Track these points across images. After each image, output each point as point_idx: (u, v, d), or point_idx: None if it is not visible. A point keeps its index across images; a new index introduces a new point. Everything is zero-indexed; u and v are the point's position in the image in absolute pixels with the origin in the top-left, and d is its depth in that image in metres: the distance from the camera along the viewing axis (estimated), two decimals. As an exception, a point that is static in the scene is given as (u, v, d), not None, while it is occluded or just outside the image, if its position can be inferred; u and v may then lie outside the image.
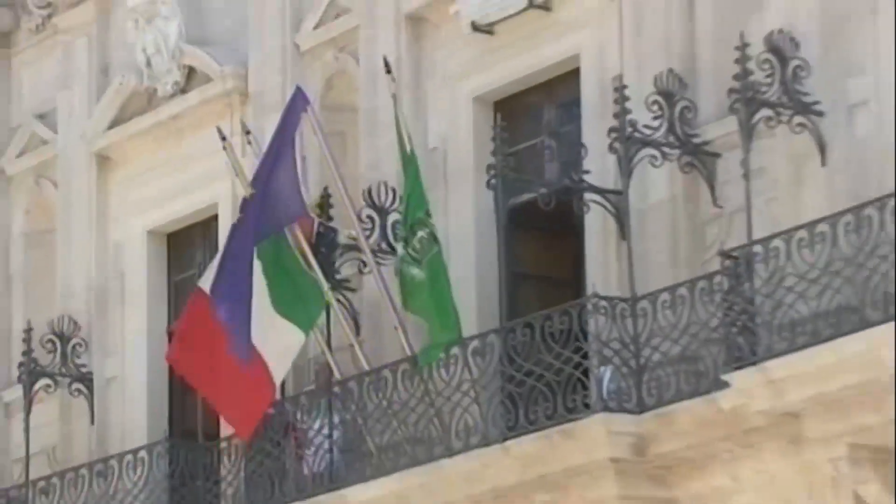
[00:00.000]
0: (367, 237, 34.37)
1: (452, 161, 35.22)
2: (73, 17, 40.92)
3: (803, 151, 30.10)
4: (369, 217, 34.47)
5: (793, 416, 29.07)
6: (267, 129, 35.76)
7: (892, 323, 27.64)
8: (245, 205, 34.81)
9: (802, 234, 28.72)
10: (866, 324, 27.95)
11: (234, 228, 34.99)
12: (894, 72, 29.33)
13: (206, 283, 34.42)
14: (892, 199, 28.34)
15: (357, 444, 33.94)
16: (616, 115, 30.96)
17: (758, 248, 29.36)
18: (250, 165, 35.39)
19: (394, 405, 33.47)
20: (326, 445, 34.22)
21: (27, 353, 38.38)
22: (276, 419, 34.73)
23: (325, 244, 34.57)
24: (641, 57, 32.45)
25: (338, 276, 34.76)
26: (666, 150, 31.21)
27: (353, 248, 34.73)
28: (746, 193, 30.05)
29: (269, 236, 34.17)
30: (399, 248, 33.56)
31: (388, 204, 34.39)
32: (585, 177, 32.11)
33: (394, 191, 34.25)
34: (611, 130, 31.11)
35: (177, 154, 38.82)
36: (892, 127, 29.65)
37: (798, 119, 29.85)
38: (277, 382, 34.59)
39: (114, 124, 39.90)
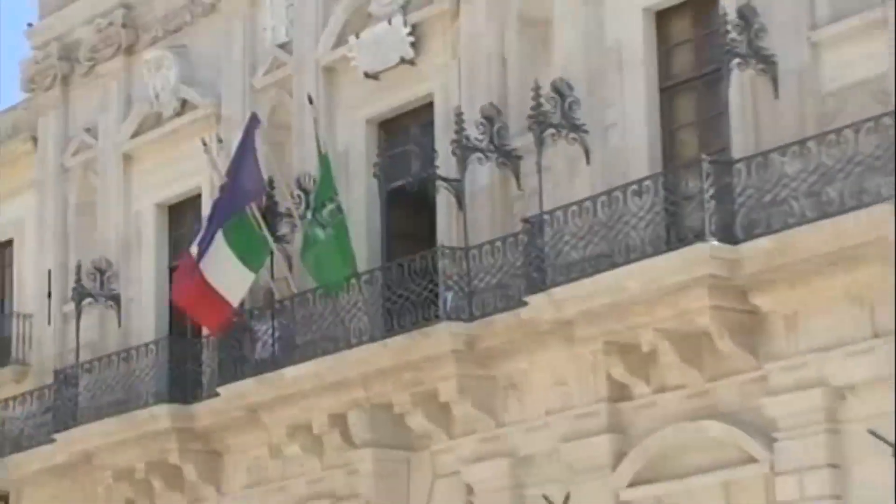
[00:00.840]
0: (297, 208, 34.42)
1: (352, 160, 35.12)
2: (109, 66, 40.35)
3: (575, 156, 30.51)
4: (298, 195, 34.45)
5: (568, 324, 29.37)
6: (233, 141, 35.54)
7: (634, 265, 28.19)
8: (221, 189, 35.00)
9: (574, 208, 29.16)
10: (615, 265, 28.39)
11: (214, 204, 35.13)
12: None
13: (193, 247, 34.19)
14: (631, 188, 29.03)
15: (289, 340, 33.74)
16: (456, 132, 31.22)
17: (546, 217, 29.67)
18: (223, 163, 35.44)
19: (314, 315, 33.51)
20: (270, 341, 34.06)
21: (77, 280, 38.23)
22: (238, 324, 34.63)
23: (271, 213, 34.69)
24: (473, 95, 32.54)
25: (278, 234, 34.72)
26: (488, 154, 31.40)
27: (288, 215, 34.78)
28: (539, 182, 30.30)
29: (236, 213, 34.22)
30: (308, 214, 33.55)
31: (310, 187, 34.14)
32: (437, 171, 32.33)
33: (314, 179, 34.07)
34: (453, 142, 31.40)
35: (175, 155, 38.59)
36: (635, 140, 30.48)
37: (572, 135, 30.24)
38: (235, 303, 34.34)
39: (134, 135, 39.60)
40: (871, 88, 27.06)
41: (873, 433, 26.20)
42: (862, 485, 26.61)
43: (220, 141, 36.56)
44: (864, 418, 26.48)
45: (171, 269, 38.23)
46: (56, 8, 42.38)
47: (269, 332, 34.38)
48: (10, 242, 43.79)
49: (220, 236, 34.14)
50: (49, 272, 40.76)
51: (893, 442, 25.87)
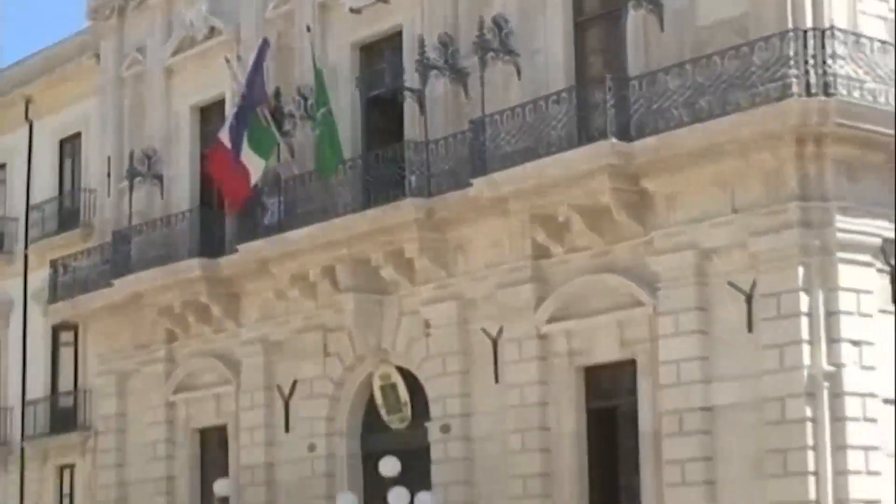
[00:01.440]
0: (298, 111, 34.02)
1: (340, 75, 34.54)
2: (155, 0, 39.77)
3: (509, 73, 30.34)
4: (299, 101, 33.99)
5: (503, 200, 29.29)
6: (249, 59, 35.04)
7: (553, 157, 28.15)
8: (242, 98, 34.38)
9: (508, 112, 29.25)
10: (538, 156, 28.43)
11: (237, 111, 34.42)
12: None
13: (223, 135, 33.93)
14: (551, 98, 28.94)
15: (292, 210, 33.52)
16: (419, 54, 31.16)
17: (487, 119, 29.58)
18: (241, 75, 35.01)
19: (310, 192, 33.40)
20: (277, 211, 33.86)
21: (130, 164, 38.18)
22: (253, 199, 34.42)
23: (278, 114, 34.26)
24: (432, 26, 32.20)
25: (283, 130, 34.24)
26: (443, 71, 31.19)
27: (291, 116, 34.26)
28: (482, 93, 30.00)
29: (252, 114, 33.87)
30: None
31: (308, 95, 33.72)
32: (405, 83, 32.38)
33: (311, 89, 33.59)
34: (417, 62, 31.30)
35: (206, 68, 38.02)
36: (554, 61, 30.38)
37: (507, 57, 30.19)
38: (252, 183, 34.04)
39: (174, 54, 39.10)
40: (733, 25, 27.11)
41: (731, 284, 26.52)
42: (721, 322, 26.90)
43: (238, 59, 36.15)
44: (724, 273, 26.76)
45: (202, 155, 37.73)
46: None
47: (277, 204, 34.11)
48: (78, 135, 43.73)
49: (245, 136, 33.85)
50: (108, 158, 40.47)
51: (747, 291, 26.14)
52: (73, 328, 42.42)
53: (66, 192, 43.93)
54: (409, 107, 32.59)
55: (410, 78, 32.37)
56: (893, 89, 26.22)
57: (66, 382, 42.94)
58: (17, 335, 44.30)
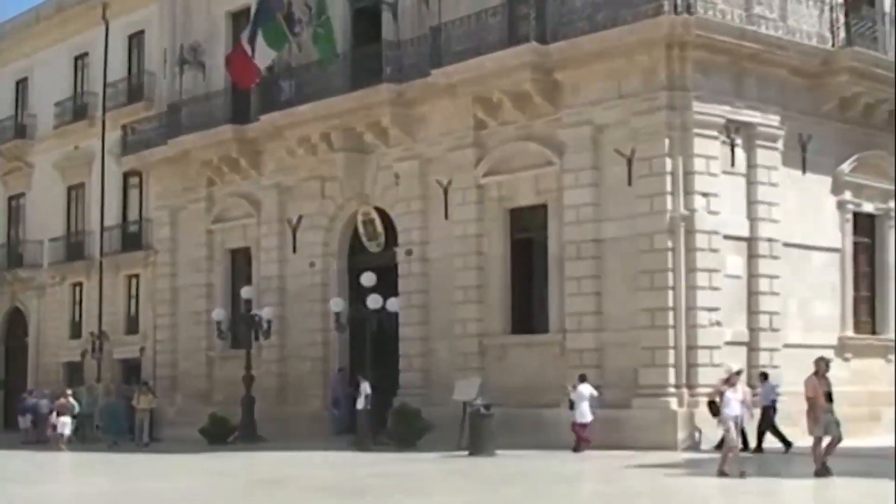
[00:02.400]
0: (305, 16, 32.86)
1: None
2: None
3: None
4: (306, 8, 32.80)
5: (453, 86, 29.12)
6: None
7: (492, 54, 27.92)
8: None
9: (459, 20, 28.95)
10: (480, 54, 28.25)
11: (256, 12, 33.62)
12: None
13: (243, 36, 33.29)
14: (489, 10, 28.91)
15: (301, 90, 33.15)
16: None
17: (443, 25, 29.23)
18: None
19: (314, 76, 32.95)
20: (289, 90, 33.57)
21: (181, 54, 38.00)
22: (271, 81, 34.01)
23: (289, 19, 33.08)
24: None
25: (294, 30, 33.06)
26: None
27: (299, 21, 33.04)
28: (438, 5, 29.55)
29: (270, 19, 32.94)
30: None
31: (310, 8, 32.49)
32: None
33: (314, 3, 32.27)
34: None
35: None
36: None
37: None
38: (262, 68, 33.14)
39: None
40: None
41: (616, 150, 26.61)
42: (609, 178, 27.00)
43: None
44: (612, 142, 26.81)
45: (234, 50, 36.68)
46: None
47: (288, 85, 33.85)
48: (142, 32, 43.15)
49: (259, 34, 32.87)
50: (165, 50, 40.00)
51: (628, 155, 26.22)
52: (139, 175, 42.29)
53: (133, 74, 43.35)
54: (386, 16, 32.11)
55: (400, -1, 31.93)
56: (739, 9, 26.38)
57: (132, 214, 42.80)
58: (97, 180, 44.14)
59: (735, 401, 19.23)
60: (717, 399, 19.90)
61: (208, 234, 38.00)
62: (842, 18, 28.23)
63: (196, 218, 38.37)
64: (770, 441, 24.40)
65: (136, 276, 42.34)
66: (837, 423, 18.73)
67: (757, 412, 23.54)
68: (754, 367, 25.79)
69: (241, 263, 37.27)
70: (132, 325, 42.34)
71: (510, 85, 28.12)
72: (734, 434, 19.48)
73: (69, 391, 36.86)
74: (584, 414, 25.21)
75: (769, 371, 25.54)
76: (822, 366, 18.91)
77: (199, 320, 37.74)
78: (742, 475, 19.03)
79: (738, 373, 20.96)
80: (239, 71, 33.64)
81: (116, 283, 43.10)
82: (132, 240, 42.30)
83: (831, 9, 28.28)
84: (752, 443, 24.11)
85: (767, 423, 24.35)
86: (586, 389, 25.36)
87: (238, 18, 37.55)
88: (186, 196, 38.74)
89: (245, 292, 34.64)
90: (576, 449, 25.07)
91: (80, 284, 45.09)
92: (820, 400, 18.56)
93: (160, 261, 39.99)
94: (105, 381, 41.05)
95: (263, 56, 33.11)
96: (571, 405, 25.37)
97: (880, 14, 29.43)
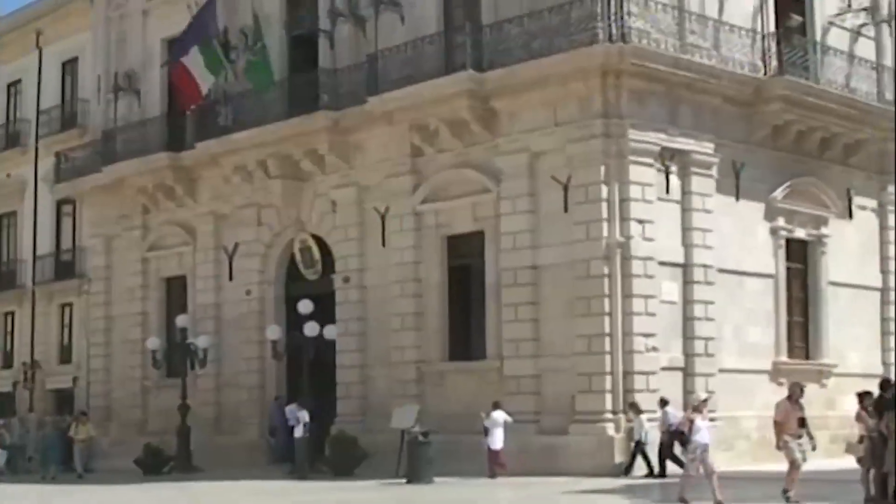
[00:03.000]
0: (241, 43, 33.14)
1: (272, 19, 33.52)
2: None
3: (396, 20, 29.57)
4: (241, 36, 33.15)
5: (389, 113, 29.12)
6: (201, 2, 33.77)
7: (427, 82, 27.95)
8: (189, 26, 33.35)
9: (395, 48, 28.88)
10: (417, 81, 28.16)
11: (185, 31, 33.44)
12: None
13: (184, 59, 32.70)
14: (426, 39, 29.11)
15: (237, 117, 32.94)
16: (331, 4, 30.91)
17: (380, 53, 29.13)
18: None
19: (250, 103, 32.52)
20: (226, 117, 33.33)
21: (115, 81, 37.52)
22: (207, 108, 33.62)
23: (226, 46, 33.31)
24: None
25: (230, 58, 33.16)
26: (348, 17, 30.56)
27: (235, 47, 33.44)
28: (375, 34, 29.57)
29: (208, 41, 32.69)
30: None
31: (247, 36, 32.70)
32: (319, 26, 31.69)
33: (251, 30, 32.46)
34: (328, 11, 30.99)
35: (173, 11, 36.24)
36: (429, 13, 30.14)
37: (394, 8, 29.66)
38: (204, 92, 32.74)
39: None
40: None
41: (553, 177, 26.67)
42: (545, 205, 27.03)
43: (197, 4, 34.66)
44: (548, 169, 26.86)
45: (168, 72, 36.01)
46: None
47: (225, 112, 33.65)
48: (76, 59, 42.92)
49: (196, 53, 32.57)
50: (99, 76, 39.64)
51: (564, 182, 26.29)
52: (72, 202, 41.93)
53: (66, 101, 43.15)
54: (323, 44, 32.05)
55: (324, 22, 31.89)
56: (673, 39, 26.61)
57: (66, 242, 42.58)
58: (29, 208, 43.84)
59: (705, 428, 19.05)
60: (686, 428, 19.62)
61: (143, 262, 37.60)
62: (773, 48, 28.51)
63: (131, 246, 37.96)
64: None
65: (70, 304, 41.93)
66: (803, 450, 18.63)
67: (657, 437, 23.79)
68: (690, 393, 25.77)
69: (176, 292, 36.91)
70: (65, 355, 41.88)
71: (447, 112, 28.14)
72: (709, 461, 18.96)
73: (0, 422, 36.23)
74: (497, 441, 25.27)
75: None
76: (796, 391, 18.92)
77: (134, 349, 37.31)
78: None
79: (706, 401, 20.81)
80: (185, 91, 33.35)
81: (49, 312, 42.65)
82: (65, 268, 41.94)
83: (763, 38, 28.59)
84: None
85: (666, 448, 24.40)
86: (500, 416, 25.46)
87: (174, 45, 36.89)
88: (121, 224, 38.30)
89: (180, 321, 34.27)
90: (491, 475, 25.12)
91: (13, 313, 44.63)
92: (790, 424, 18.48)
93: (94, 289, 39.54)
94: (38, 412, 40.41)
95: (203, 80, 32.84)
96: (486, 432, 25.39)
97: (811, 43, 29.84)
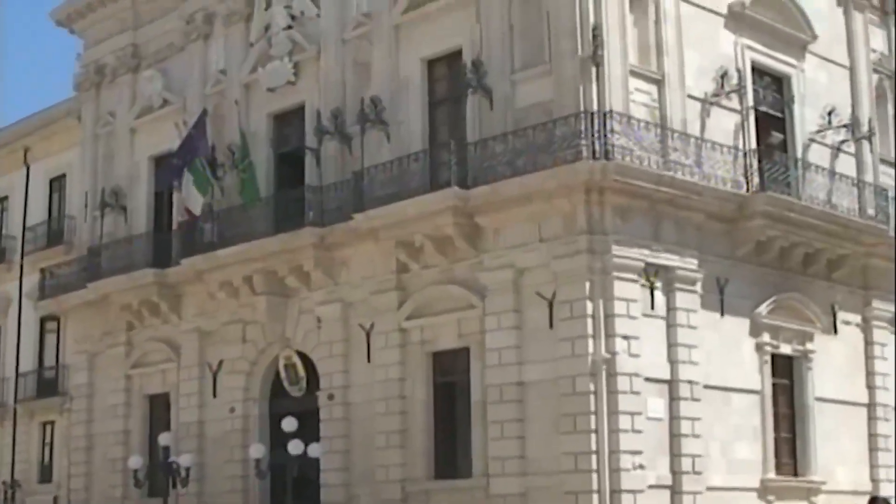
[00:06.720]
0: (228, 161, 33.57)
1: (259, 136, 33.83)
2: (123, 78, 38.90)
3: (382, 137, 29.95)
4: (229, 153, 33.62)
5: (375, 230, 29.08)
6: (190, 123, 34.70)
7: (412, 199, 28.20)
8: (179, 149, 34.11)
9: (381, 166, 29.19)
10: (401, 198, 28.40)
11: (176, 155, 34.17)
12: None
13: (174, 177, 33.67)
14: (412, 156, 29.29)
15: (222, 233, 33.04)
16: (317, 123, 31.10)
17: (366, 171, 29.47)
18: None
19: (236, 219, 32.94)
20: (211, 234, 33.50)
21: (102, 198, 37.59)
22: (193, 224, 33.96)
23: (213, 163, 33.77)
24: (327, 103, 31.73)
25: (217, 175, 33.71)
26: (334, 135, 30.86)
27: (222, 165, 33.81)
28: (361, 152, 29.93)
29: (193, 161, 33.30)
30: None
31: (234, 153, 33.36)
32: (306, 144, 31.95)
33: (237, 145, 33.26)
34: (315, 128, 31.19)
35: (160, 129, 36.98)
36: (414, 130, 30.33)
37: (380, 126, 29.92)
38: (196, 212, 33.62)
39: (137, 118, 38.23)
40: (542, 107, 27.36)
41: (538, 293, 26.67)
42: (531, 321, 26.94)
43: (185, 123, 35.45)
44: (533, 286, 26.83)
45: (156, 194, 37.19)
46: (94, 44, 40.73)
47: (211, 228, 33.71)
48: (64, 175, 43.24)
49: (188, 175, 33.32)
50: (86, 193, 39.64)
51: (549, 298, 26.30)
52: (56, 319, 41.77)
53: (53, 217, 43.32)
54: (309, 160, 32.21)
55: (310, 139, 32.11)
56: (656, 155, 26.90)
57: (49, 359, 42.38)
58: (13, 324, 43.73)
59: None
60: None
61: (126, 379, 37.21)
62: (755, 164, 28.77)
63: (114, 363, 37.62)
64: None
65: (52, 422, 41.56)
66: None
67: None
68: (678, 512, 25.59)
69: (159, 409, 36.47)
70: (45, 474, 41.41)
71: (432, 229, 28.20)
72: None
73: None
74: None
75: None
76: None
77: (115, 468, 36.72)
78: None
79: None
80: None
81: (31, 430, 42.25)
82: (48, 386, 41.66)
83: (745, 155, 28.87)
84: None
85: None
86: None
87: (161, 162, 37.47)
88: (105, 341, 38.01)
89: (163, 439, 33.77)
90: None
91: (-7, 432, 44.11)
92: None
93: (76, 407, 38.99)
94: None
95: (193, 199, 33.31)
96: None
97: (792, 160, 30.13)
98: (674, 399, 26.64)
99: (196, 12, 36.69)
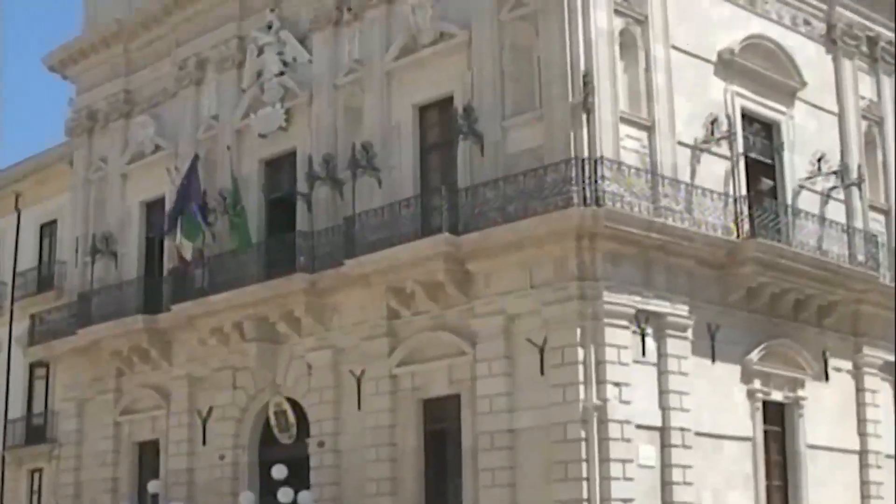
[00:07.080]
0: (219, 206, 33.61)
1: (250, 181, 34.02)
2: (115, 124, 39.01)
3: (373, 183, 29.98)
4: (220, 199, 33.68)
5: (366, 275, 29.06)
6: (184, 168, 34.54)
7: (404, 245, 28.12)
8: (177, 195, 34.18)
9: (372, 212, 29.14)
10: (393, 244, 28.39)
11: (173, 205, 34.16)
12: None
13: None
14: (402, 202, 29.24)
15: (213, 279, 33.07)
16: (308, 168, 31.16)
17: (357, 216, 29.41)
18: (178, 180, 34.83)
19: (227, 265, 32.92)
20: (201, 280, 33.42)
21: (93, 243, 37.56)
22: (184, 270, 33.93)
23: (204, 209, 33.70)
24: (318, 148, 31.81)
25: (208, 220, 33.65)
26: (325, 180, 30.96)
27: (213, 210, 33.85)
28: (353, 197, 29.97)
29: (184, 210, 33.34)
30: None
31: (225, 198, 33.39)
32: (297, 189, 32.07)
33: (229, 191, 33.27)
34: (306, 174, 31.34)
35: (151, 174, 37.09)
36: (405, 175, 30.51)
37: (371, 172, 29.95)
38: (188, 258, 33.34)
39: (128, 163, 38.28)
40: (533, 153, 27.39)
41: (529, 340, 26.55)
42: (522, 367, 26.75)
43: (176, 169, 35.62)
44: (524, 332, 26.73)
45: (148, 239, 37.24)
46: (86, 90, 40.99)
47: (201, 274, 33.68)
48: (55, 221, 43.27)
49: (180, 220, 33.29)
50: (77, 238, 39.62)
51: (540, 345, 26.20)
52: (46, 365, 41.65)
53: (44, 263, 43.32)
54: (300, 206, 32.23)
55: (301, 185, 32.16)
56: (647, 202, 26.95)
57: (38, 406, 42.20)
58: (2, 370, 43.56)
59: None
60: None
61: (115, 426, 37.02)
62: (745, 210, 28.83)
63: (103, 410, 37.41)
64: None
65: (40, 470, 41.24)
66: None
67: None
68: (670, 560, 25.39)
69: (148, 456, 36.23)
70: (33, 523, 41.12)
71: (423, 275, 28.15)
72: None
73: None
74: None
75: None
76: None
77: (104, 516, 36.56)
78: None
79: None
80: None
81: (19, 478, 42.01)
82: (36, 433, 41.39)
83: (735, 201, 28.93)
84: None
85: None
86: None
87: (152, 208, 37.52)
88: (94, 387, 37.81)
89: (152, 486, 33.68)
90: None
91: (-19, 479, 43.80)
92: None
93: (64, 454, 38.77)
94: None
95: (184, 246, 33.30)
96: None
97: (783, 206, 30.19)
98: (665, 446, 26.51)
99: (188, 58, 36.89)
